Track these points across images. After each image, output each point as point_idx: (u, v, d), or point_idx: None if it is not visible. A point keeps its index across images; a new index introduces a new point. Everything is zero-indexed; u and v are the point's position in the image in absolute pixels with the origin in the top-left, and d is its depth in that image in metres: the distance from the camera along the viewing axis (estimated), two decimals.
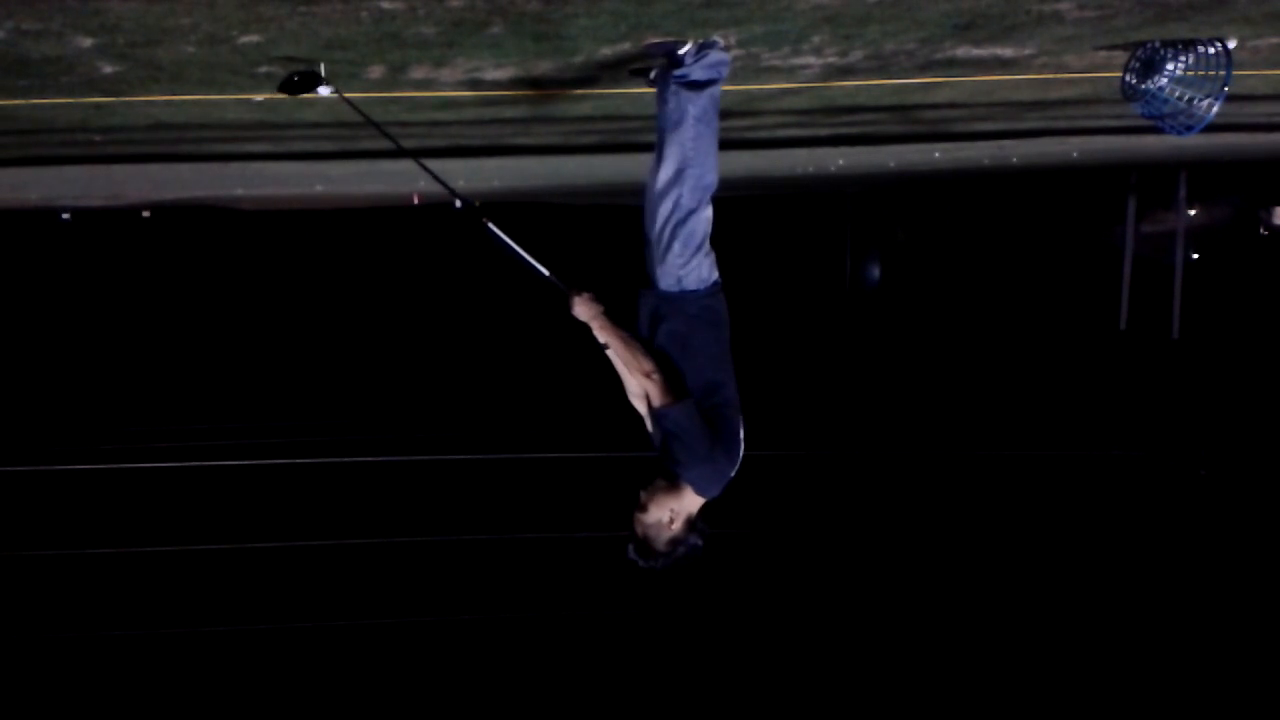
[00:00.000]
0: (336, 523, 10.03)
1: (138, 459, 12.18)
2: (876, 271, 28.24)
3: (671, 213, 3.04)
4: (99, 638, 7.81)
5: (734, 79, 4.21)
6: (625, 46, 3.47)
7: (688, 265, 3.06)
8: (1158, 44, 3.73)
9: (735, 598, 8.24)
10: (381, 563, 9.19)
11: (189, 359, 19.45)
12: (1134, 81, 3.86)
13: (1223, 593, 8.28)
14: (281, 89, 3.50)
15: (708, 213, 3.11)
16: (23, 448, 12.79)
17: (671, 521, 2.98)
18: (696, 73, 3.07)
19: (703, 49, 3.11)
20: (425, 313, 23.48)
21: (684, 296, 3.06)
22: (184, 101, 4.46)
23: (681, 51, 3.11)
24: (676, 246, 3.04)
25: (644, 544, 3.01)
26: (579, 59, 3.69)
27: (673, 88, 3.05)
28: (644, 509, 2.98)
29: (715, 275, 3.12)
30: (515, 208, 25.57)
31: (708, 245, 3.11)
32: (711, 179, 3.09)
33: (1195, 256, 22.86)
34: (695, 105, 3.03)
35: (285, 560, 9.20)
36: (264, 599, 8.45)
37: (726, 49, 3.28)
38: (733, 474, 3.03)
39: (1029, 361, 18.08)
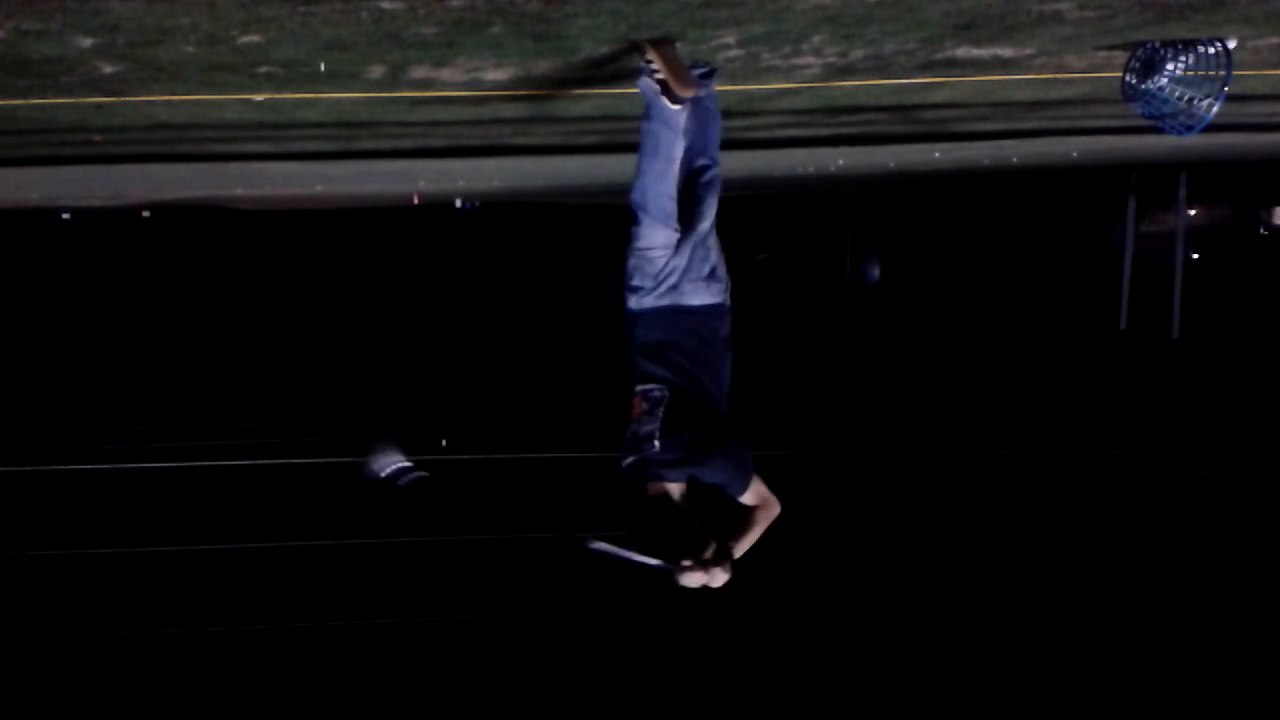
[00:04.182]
0: (336, 523, 10.03)
1: (138, 459, 12.18)
2: (876, 271, 28.23)
3: (712, 212, 3.10)
4: (99, 638, 7.81)
5: (734, 79, 4.21)
6: (625, 46, 3.47)
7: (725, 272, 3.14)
8: (1158, 44, 3.73)
9: (734, 598, 8.23)
10: (381, 563, 9.19)
11: (189, 359, 19.44)
12: (1134, 81, 3.85)
13: (1223, 593, 8.28)
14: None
15: None
16: (23, 448, 12.78)
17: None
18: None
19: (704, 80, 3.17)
20: (425, 313, 23.46)
21: (728, 308, 3.14)
22: (184, 101, 4.46)
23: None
24: (715, 254, 3.09)
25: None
26: (579, 59, 3.69)
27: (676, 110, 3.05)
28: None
29: None
30: (515, 208, 25.57)
31: None
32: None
33: (1195, 256, 22.85)
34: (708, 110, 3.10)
35: (285, 560, 9.20)
36: (264, 599, 8.45)
37: (711, 72, 3.30)
38: None
39: (1029, 361, 18.07)
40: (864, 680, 7.25)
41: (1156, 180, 19.83)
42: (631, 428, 2.98)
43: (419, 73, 3.89)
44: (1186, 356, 17.92)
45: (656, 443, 2.93)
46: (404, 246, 26.90)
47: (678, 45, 3.22)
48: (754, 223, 23.27)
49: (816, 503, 10.44)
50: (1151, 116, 3.91)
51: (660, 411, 2.94)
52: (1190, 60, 3.68)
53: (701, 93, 3.09)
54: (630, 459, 3.00)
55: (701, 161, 3.07)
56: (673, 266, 2.99)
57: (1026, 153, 10.57)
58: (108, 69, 3.63)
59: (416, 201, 21.06)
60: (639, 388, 3.01)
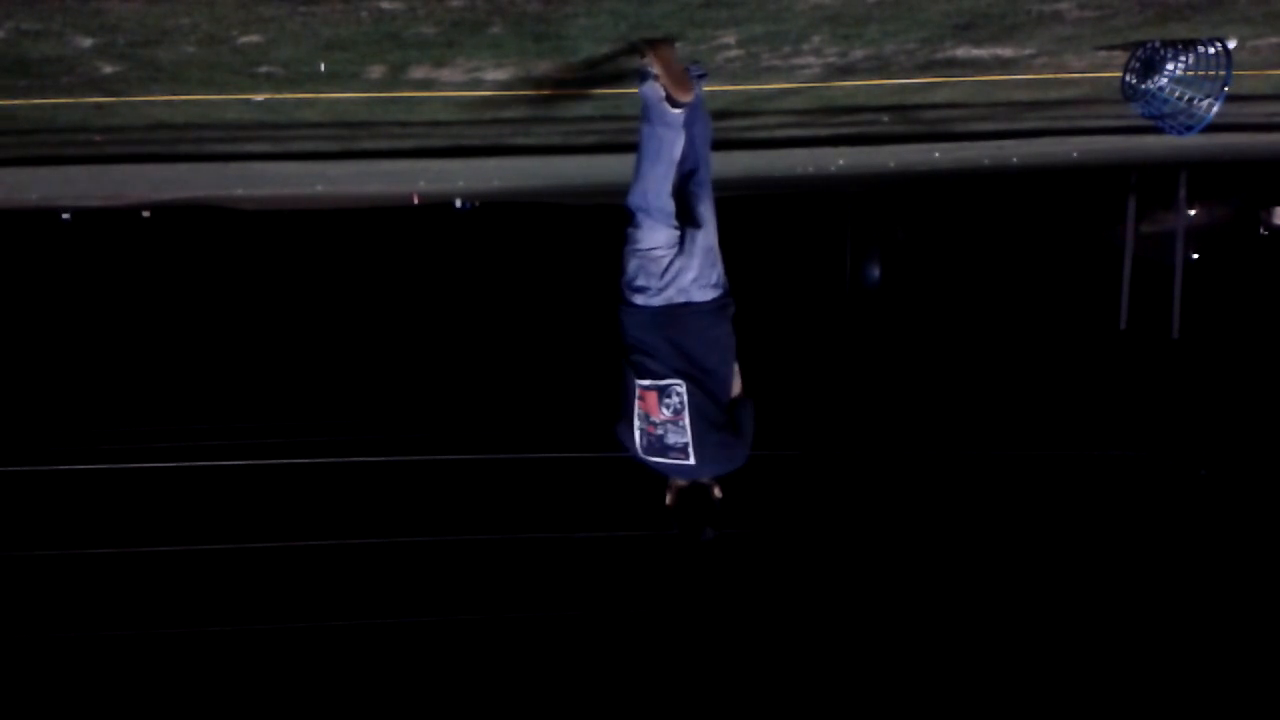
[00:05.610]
0: (336, 523, 10.03)
1: (138, 459, 12.18)
2: (876, 271, 28.24)
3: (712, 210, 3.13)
4: (99, 638, 7.81)
5: (734, 79, 4.21)
6: (625, 47, 3.47)
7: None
8: (1158, 44, 3.73)
9: (735, 598, 8.24)
10: (381, 563, 9.19)
11: (189, 359, 19.44)
12: (1134, 81, 3.85)
13: (1223, 593, 8.28)
14: None
15: None
16: (23, 448, 12.78)
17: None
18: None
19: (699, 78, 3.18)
20: (425, 313, 23.46)
21: (732, 307, 3.18)
22: (184, 101, 4.46)
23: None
24: (719, 262, 3.13)
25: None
26: (579, 59, 3.69)
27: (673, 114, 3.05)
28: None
29: None
30: (515, 208, 25.58)
31: None
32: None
33: (1195, 256, 22.86)
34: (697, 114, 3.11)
35: (285, 560, 9.20)
36: (264, 599, 8.45)
37: (704, 74, 3.31)
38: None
39: (1029, 361, 18.08)
40: (864, 680, 7.25)
41: (1156, 180, 19.83)
42: (655, 429, 3.01)
43: (419, 73, 3.89)
44: (1186, 356, 17.92)
45: (692, 458, 2.99)
46: (404, 246, 26.90)
47: (677, 45, 3.22)
48: (754, 223, 23.28)
49: (817, 503, 10.45)
50: (1151, 116, 3.91)
51: (684, 420, 2.97)
52: (1190, 60, 3.68)
53: (698, 93, 3.10)
54: (658, 461, 3.07)
55: (692, 163, 3.07)
56: (679, 267, 2.99)
57: (1026, 153, 10.57)
58: (108, 69, 3.63)
59: (416, 201, 21.07)
60: (653, 383, 3.00)
